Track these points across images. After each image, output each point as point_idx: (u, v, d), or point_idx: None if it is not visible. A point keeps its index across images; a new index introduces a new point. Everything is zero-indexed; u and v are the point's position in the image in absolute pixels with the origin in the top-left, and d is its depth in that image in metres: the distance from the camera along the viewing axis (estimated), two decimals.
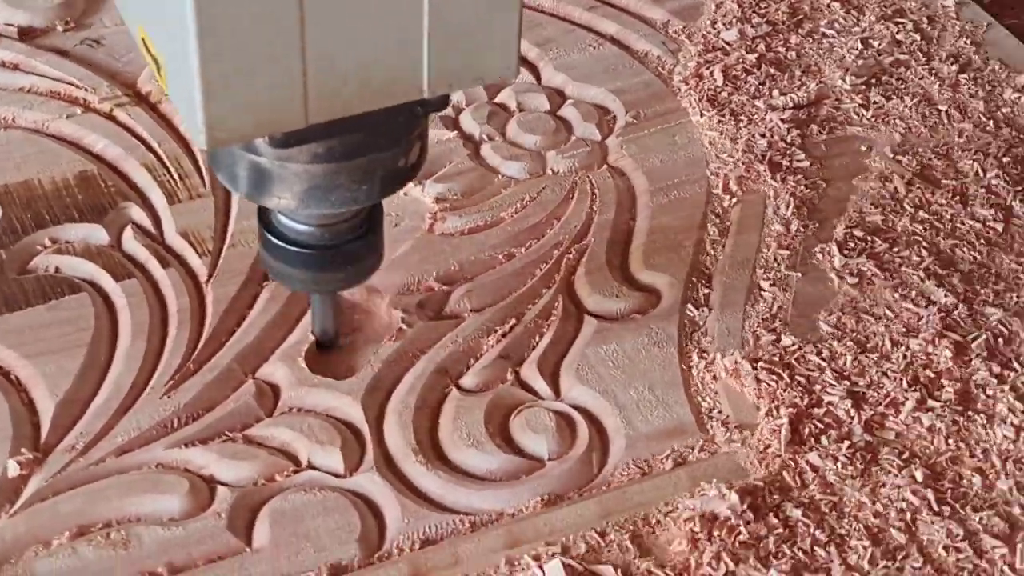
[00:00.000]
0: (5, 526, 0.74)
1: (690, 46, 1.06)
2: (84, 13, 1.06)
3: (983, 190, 0.96)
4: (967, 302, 0.88)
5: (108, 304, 0.85)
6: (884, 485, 0.78)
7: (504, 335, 0.85)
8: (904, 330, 0.86)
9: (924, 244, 0.92)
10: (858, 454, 0.79)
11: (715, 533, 0.74)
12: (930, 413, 0.81)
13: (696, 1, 1.11)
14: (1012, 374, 0.84)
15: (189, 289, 0.86)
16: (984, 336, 0.86)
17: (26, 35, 1.03)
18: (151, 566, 0.73)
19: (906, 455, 0.80)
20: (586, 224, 0.92)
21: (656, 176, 0.96)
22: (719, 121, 0.99)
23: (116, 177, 0.93)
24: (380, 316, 0.86)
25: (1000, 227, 0.94)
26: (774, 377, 0.83)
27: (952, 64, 1.06)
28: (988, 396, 0.83)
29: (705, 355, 0.84)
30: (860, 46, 1.07)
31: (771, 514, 0.76)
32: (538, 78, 1.04)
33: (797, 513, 0.76)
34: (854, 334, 0.86)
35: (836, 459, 0.79)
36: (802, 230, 0.92)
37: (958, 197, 0.95)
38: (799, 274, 0.89)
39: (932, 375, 0.84)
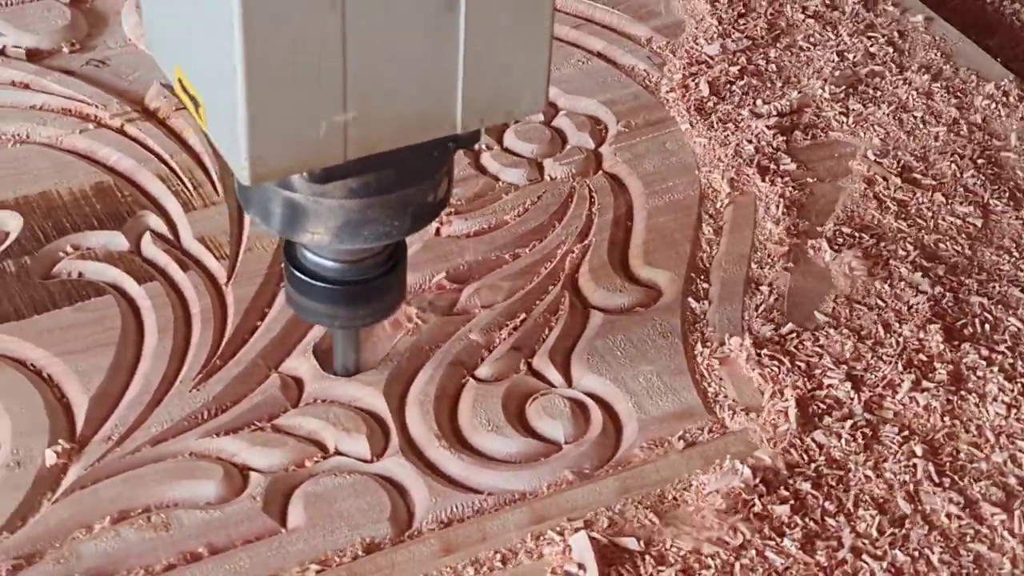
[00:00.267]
0: (49, 512, 0.76)
1: (675, 60, 1.10)
2: (89, 35, 1.09)
3: (961, 189, 1.01)
4: (953, 291, 0.92)
5: (132, 306, 0.88)
6: (886, 460, 0.82)
7: (515, 329, 0.89)
8: (895, 318, 0.90)
9: (909, 239, 0.96)
10: (860, 432, 0.83)
11: (730, 506, 0.78)
12: (925, 393, 0.86)
13: (677, 19, 1.16)
14: (1000, 356, 0.88)
15: (209, 290, 0.89)
16: (972, 322, 0.90)
17: (34, 56, 1.06)
18: (192, 547, 0.75)
19: (905, 432, 0.84)
20: (586, 225, 0.96)
21: (650, 180, 1.00)
22: (707, 128, 1.03)
23: (131, 187, 0.96)
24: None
25: (979, 222, 0.98)
26: (776, 362, 0.86)
27: (924, 74, 1.11)
28: (979, 377, 0.87)
29: (708, 344, 0.88)
30: (836, 58, 1.12)
31: (782, 488, 0.79)
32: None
33: (807, 487, 0.80)
34: (848, 323, 0.90)
35: (840, 437, 0.83)
36: (793, 228, 0.96)
37: (938, 196, 1.00)
38: (793, 266, 0.93)
39: (925, 359, 0.88)
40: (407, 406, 0.84)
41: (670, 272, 0.93)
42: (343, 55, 0.63)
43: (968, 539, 0.78)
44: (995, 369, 0.87)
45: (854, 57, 1.12)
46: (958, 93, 1.10)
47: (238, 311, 0.88)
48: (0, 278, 0.89)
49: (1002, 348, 0.89)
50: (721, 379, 0.86)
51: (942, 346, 0.88)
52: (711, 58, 1.10)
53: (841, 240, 0.95)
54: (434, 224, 0.95)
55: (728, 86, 1.08)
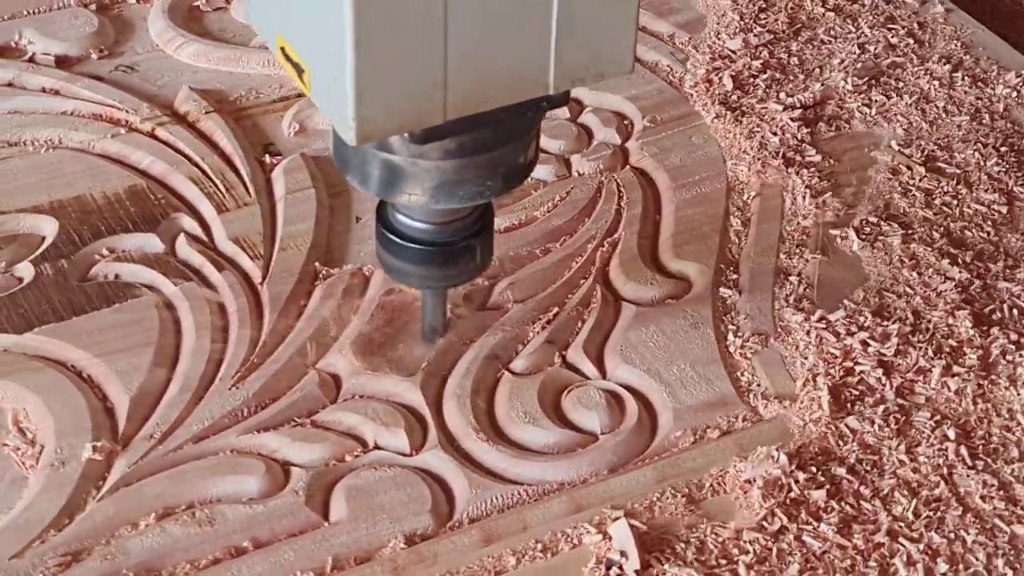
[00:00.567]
0: (95, 509, 0.77)
1: (697, 55, 1.11)
2: (116, 42, 1.10)
3: (985, 177, 1.01)
4: (981, 277, 0.93)
5: (169, 306, 0.89)
6: (919, 444, 0.83)
7: (548, 322, 0.89)
8: (924, 305, 0.91)
9: (936, 227, 0.97)
10: (892, 417, 0.84)
11: (767, 492, 0.79)
12: (956, 378, 0.86)
13: (699, 14, 1.17)
14: None
15: (245, 290, 0.90)
16: (1000, 307, 0.91)
17: (63, 63, 1.07)
18: (236, 541, 0.76)
19: (937, 417, 0.84)
20: (615, 219, 0.97)
21: (677, 174, 1.01)
22: (732, 122, 1.04)
23: (164, 190, 0.97)
24: None
25: (1004, 209, 0.99)
26: (809, 350, 0.87)
27: (945, 64, 1.12)
28: (1008, 362, 0.88)
29: (740, 334, 0.89)
30: (857, 51, 1.12)
31: (818, 473, 0.80)
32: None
33: (842, 472, 0.81)
34: (878, 310, 0.90)
35: (873, 422, 0.83)
36: (820, 218, 0.97)
37: (963, 184, 1.01)
38: (821, 256, 0.94)
39: (955, 344, 0.89)
40: (444, 400, 0.85)
41: (700, 264, 0.94)
42: (444, 16, 0.65)
43: (1003, 520, 0.79)
44: None
45: (875, 49, 1.13)
46: (979, 82, 1.10)
47: (274, 309, 0.89)
48: (38, 281, 0.90)
49: None
50: (753, 368, 0.87)
51: (971, 331, 0.89)
52: (733, 52, 1.11)
53: (868, 229, 0.96)
54: None
55: (751, 80, 1.08)
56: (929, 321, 0.90)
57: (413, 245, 0.80)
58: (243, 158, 0.99)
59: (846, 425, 0.83)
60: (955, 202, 0.99)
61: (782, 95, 1.07)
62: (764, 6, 1.17)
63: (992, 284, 0.93)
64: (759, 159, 1.01)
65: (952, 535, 0.78)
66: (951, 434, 0.83)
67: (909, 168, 1.01)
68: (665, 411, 0.85)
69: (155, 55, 1.10)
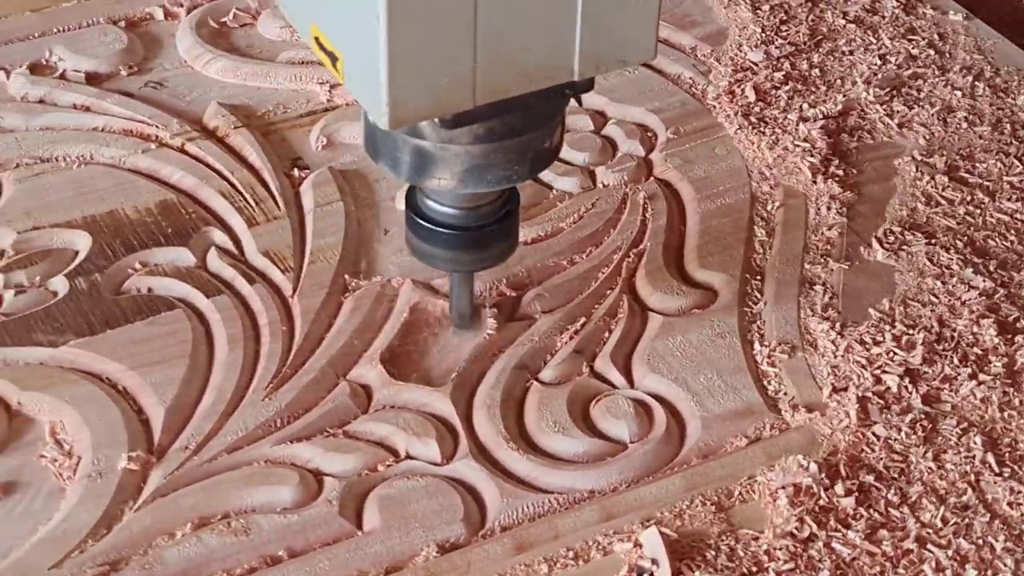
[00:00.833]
0: (132, 520, 0.78)
1: (719, 67, 1.12)
2: (145, 58, 1.12)
3: (1007, 186, 1.02)
4: (1005, 286, 0.94)
5: (202, 319, 0.90)
6: (946, 451, 0.83)
7: (576, 332, 0.90)
8: (949, 313, 0.92)
9: (959, 236, 0.98)
10: (919, 425, 0.85)
11: (796, 499, 0.79)
12: (982, 386, 0.87)
13: (721, 27, 1.18)
14: None
15: (276, 303, 0.91)
16: None
17: (93, 80, 1.09)
18: (272, 550, 0.77)
19: (964, 424, 0.85)
20: (641, 230, 0.98)
21: (701, 185, 1.02)
22: (756, 133, 1.05)
23: (195, 205, 0.98)
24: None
25: None
26: (835, 359, 0.88)
27: (966, 75, 1.12)
28: None
29: (766, 343, 0.90)
30: (879, 62, 1.13)
31: (846, 480, 0.81)
32: (579, 101, 1.09)
33: (870, 479, 0.81)
34: (903, 319, 0.91)
35: (900, 430, 0.84)
36: (844, 227, 0.98)
37: (985, 193, 1.01)
38: (846, 265, 0.95)
39: (980, 352, 0.89)
40: (474, 410, 0.86)
41: (725, 274, 0.95)
42: (475, 5, 0.68)
43: None
44: None
45: (896, 60, 1.14)
46: (1000, 92, 1.11)
47: (305, 321, 0.90)
48: (72, 295, 0.91)
49: None
50: (780, 377, 0.88)
51: (996, 340, 0.90)
52: (755, 64, 1.12)
53: (892, 239, 0.97)
54: None
55: (773, 91, 1.09)
56: (954, 329, 0.91)
57: (441, 229, 0.82)
58: (272, 172, 1.00)
59: (873, 433, 0.84)
60: (978, 211, 1.00)
61: (804, 106, 1.08)
62: (785, 18, 1.18)
63: (1016, 292, 0.94)
64: (782, 170, 1.02)
65: (980, 541, 0.79)
66: (978, 441, 0.84)
67: (932, 178, 1.02)
68: (693, 420, 0.86)
69: (183, 71, 1.11)
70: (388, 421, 0.84)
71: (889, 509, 0.80)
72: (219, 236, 0.96)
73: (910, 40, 1.16)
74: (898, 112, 1.08)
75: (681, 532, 0.78)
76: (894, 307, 0.92)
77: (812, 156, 1.03)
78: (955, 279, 0.94)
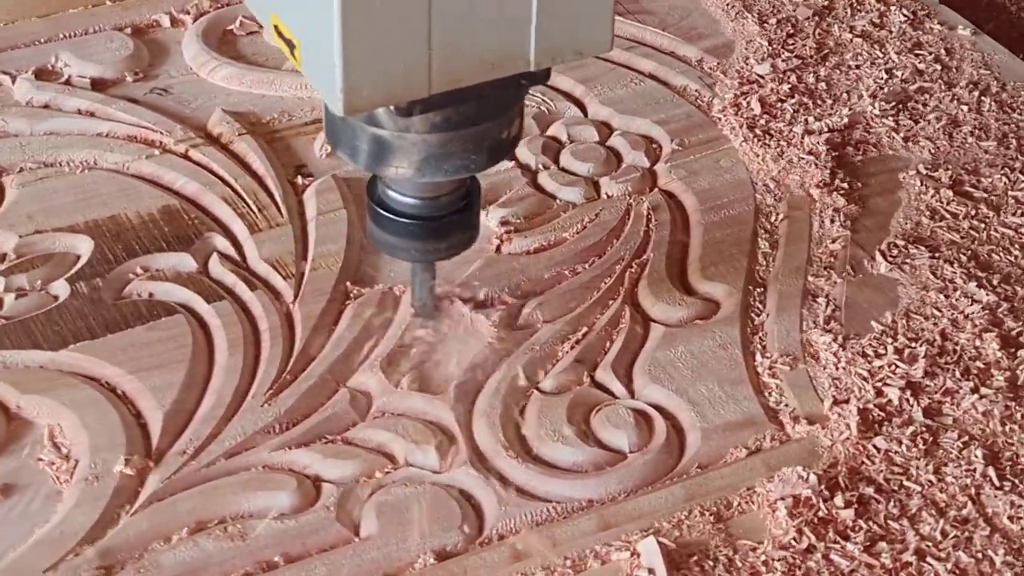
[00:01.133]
0: (128, 524, 0.78)
1: (725, 80, 1.12)
2: (151, 65, 1.12)
3: (1012, 200, 1.02)
4: (1008, 300, 0.94)
5: (202, 324, 0.90)
6: (947, 464, 0.83)
7: (577, 342, 0.90)
8: (952, 327, 0.91)
9: (963, 250, 0.97)
10: (920, 438, 0.84)
11: (795, 510, 0.79)
12: (984, 400, 0.87)
13: (727, 40, 1.17)
14: None
15: (277, 309, 0.91)
16: None
17: (98, 86, 1.09)
18: (268, 556, 0.77)
19: (965, 438, 0.85)
20: (644, 241, 0.98)
21: (705, 197, 1.02)
22: (761, 145, 1.05)
23: (197, 210, 0.98)
24: (464, 328, 0.91)
25: None
26: (837, 371, 0.88)
27: (972, 90, 1.12)
28: None
29: (768, 355, 0.89)
30: (885, 76, 1.13)
31: (845, 492, 0.81)
32: (585, 112, 1.10)
33: (869, 491, 0.81)
34: (905, 332, 0.91)
35: (901, 443, 0.84)
36: (848, 240, 0.98)
37: (990, 208, 1.01)
38: (850, 278, 0.95)
39: (982, 366, 0.89)
40: (474, 418, 0.85)
41: (728, 285, 0.94)
42: None
43: None
44: None
45: (902, 74, 1.13)
46: (1006, 108, 1.11)
47: (306, 328, 0.90)
48: (73, 299, 0.91)
49: None
50: (781, 389, 0.88)
51: (999, 353, 0.90)
52: (762, 77, 1.12)
53: (896, 252, 0.97)
54: (495, 242, 0.97)
55: (779, 104, 1.09)
56: (956, 343, 0.90)
57: (401, 219, 0.83)
58: (275, 179, 1.00)
59: (874, 445, 0.84)
60: (982, 225, 1.00)
61: (810, 119, 1.07)
62: (792, 32, 1.18)
63: (1019, 307, 0.93)
64: (787, 182, 1.02)
65: (980, 555, 0.78)
66: (978, 455, 0.83)
67: (936, 191, 1.02)
68: (693, 430, 0.85)
69: (189, 78, 1.11)
70: (387, 428, 0.84)
71: (888, 522, 0.80)
72: (221, 242, 0.96)
73: (917, 55, 1.16)
74: (904, 126, 1.08)
75: (679, 542, 0.78)
76: (897, 320, 0.92)
77: (817, 169, 1.02)
78: (958, 293, 0.94)
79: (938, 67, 1.15)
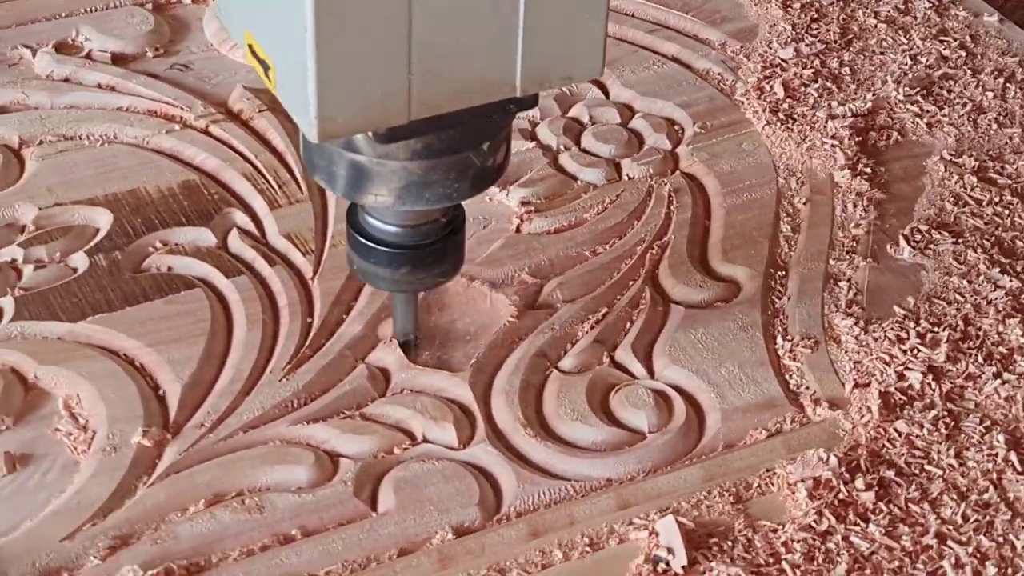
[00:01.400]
0: (145, 495, 0.78)
1: (748, 64, 1.11)
2: (172, 40, 1.11)
3: None
4: None
5: (221, 299, 0.90)
6: (968, 448, 0.82)
7: (597, 322, 0.90)
8: (975, 312, 0.91)
9: (986, 236, 0.97)
10: (941, 422, 0.84)
11: (815, 492, 0.79)
12: (1006, 385, 0.86)
13: (751, 24, 1.17)
14: None
15: (296, 285, 0.91)
16: None
17: (119, 60, 1.08)
18: (285, 529, 0.77)
19: (987, 423, 0.84)
20: (665, 223, 0.97)
21: (727, 180, 1.01)
22: (783, 129, 1.04)
23: (217, 186, 0.98)
24: (484, 307, 0.90)
25: None
26: (858, 354, 0.87)
27: (998, 77, 1.11)
28: None
29: (789, 337, 0.89)
30: (909, 62, 1.12)
31: (866, 475, 0.80)
32: (606, 94, 1.09)
33: (890, 474, 0.80)
34: (928, 317, 0.90)
35: (922, 426, 0.83)
36: (871, 225, 0.97)
37: (1014, 194, 1.00)
38: (871, 262, 0.94)
39: (1005, 351, 0.88)
40: (492, 396, 0.85)
41: (749, 268, 0.94)
42: (408, 16, 0.65)
43: None
44: None
45: (927, 60, 1.13)
46: None
47: (324, 304, 0.89)
48: (92, 272, 0.91)
49: None
50: (802, 372, 0.87)
51: (1022, 339, 0.89)
52: (785, 62, 1.11)
53: (919, 237, 0.96)
54: (515, 221, 0.96)
55: (803, 88, 1.09)
56: (979, 328, 0.90)
57: (381, 247, 0.79)
58: (296, 156, 1.00)
59: (895, 429, 0.83)
60: (1006, 212, 0.99)
61: (833, 104, 1.07)
62: (816, 16, 1.17)
63: None
64: (810, 167, 1.01)
65: (1001, 539, 0.78)
66: (1000, 440, 0.83)
67: (960, 177, 1.01)
68: (713, 411, 0.85)
69: (210, 55, 1.10)
70: (405, 405, 0.84)
71: (909, 505, 0.79)
72: (241, 217, 0.96)
73: (942, 41, 1.15)
74: (928, 112, 1.08)
75: (698, 522, 0.78)
76: (919, 305, 0.91)
77: (840, 153, 1.02)
78: (981, 278, 0.93)
79: (963, 53, 1.14)
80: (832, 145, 1.03)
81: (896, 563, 0.76)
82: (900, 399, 0.85)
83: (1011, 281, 0.93)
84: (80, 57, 1.08)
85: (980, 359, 0.88)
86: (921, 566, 0.76)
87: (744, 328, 0.90)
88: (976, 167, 1.02)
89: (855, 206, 0.98)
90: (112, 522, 0.76)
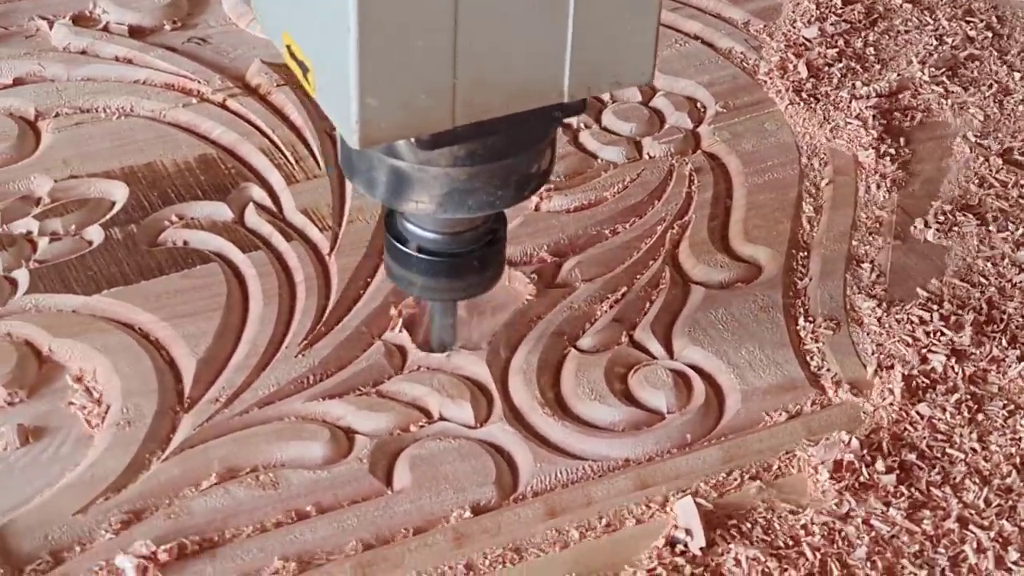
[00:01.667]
0: (159, 469, 0.77)
1: (772, 43, 1.10)
2: (190, 14, 1.10)
3: None
4: None
5: (237, 273, 0.89)
6: (991, 433, 0.81)
7: (616, 301, 0.89)
8: (999, 295, 0.90)
9: (1011, 218, 0.95)
10: (964, 406, 0.83)
11: (837, 475, 0.78)
12: None
13: (775, 2, 1.15)
14: None
15: (313, 260, 0.90)
16: None
17: (136, 33, 1.08)
18: (300, 505, 0.76)
19: (1010, 407, 0.83)
20: (686, 203, 0.96)
21: (749, 160, 1.00)
22: (806, 109, 1.03)
23: (234, 160, 0.97)
24: (502, 285, 0.89)
25: None
26: (881, 336, 0.86)
27: None
28: None
29: (810, 319, 0.88)
30: (935, 42, 1.11)
31: (888, 458, 0.79)
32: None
33: (912, 458, 0.79)
34: (951, 299, 0.89)
35: (945, 410, 0.82)
36: (895, 206, 0.96)
37: None
38: (896, 242, 0.93)
39: None
40: (510, 375, 0.84)
41: (771, 249, 0.93)
42: (454, 19, 0.63)
43: None
44: None
45: (953, 41, 1.11)
46: None
47: (341, 280, 0.89)
48: (107, 245, 0.90)
49: None
50: (823, 353, 0.86)
51: None
52: (809, 41, 1.10)
53: (943, 219, 0.95)
54: (533, 199, 0.95)
55: (827, 68, 1.07)
56: (1003, 311, 0.89)
57: (420, 255, 0.77)
58: (313, 131, 0.99)
59: (917, 412, 0.82)
60: None
61: (857, 84, 1.06)
62: None
63: None
64: (833, 147, 1.00)
65: None
66: None
67: (986, 159, 1.00)
68: (733, 392, 0.84)
69: (228, 28, 1.10)
70: (422, 382, 0.83)
71: (931, 488, 0.78)
72: (257, 192, 0.95)
73: (968, 21, 1.14)
74: (953, 93, 1.06)
75: (717, 504, 0.77)
76: (943, 287, 0.90)
77: (864, 134, 1.01)
78: (1006, 261, 0.92)
79: (989, 34, 1.13)
80: (856, 126, 1.01)
81: (917, 547, 0.75)
82: (923, 382, 0.84)
83: None
84: (97, 29, 1.07)
85: (1004, 342, 0.86)
86: (942, 550, 0.75)
87: (765, 309, 0.89)
88: (1001, 149, 1.01)
89: (878, 187, 0.97)
90: (125, 496, 0.76)
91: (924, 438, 0.81)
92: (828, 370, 0.85)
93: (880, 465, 0.78)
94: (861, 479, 0.78)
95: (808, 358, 0.86)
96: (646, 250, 0.92)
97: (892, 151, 1.01)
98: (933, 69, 1.08)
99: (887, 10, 1.15)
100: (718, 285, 0.91)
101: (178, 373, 0.83)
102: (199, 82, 1.03)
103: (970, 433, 0.81)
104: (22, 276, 0.87)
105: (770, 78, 1.07)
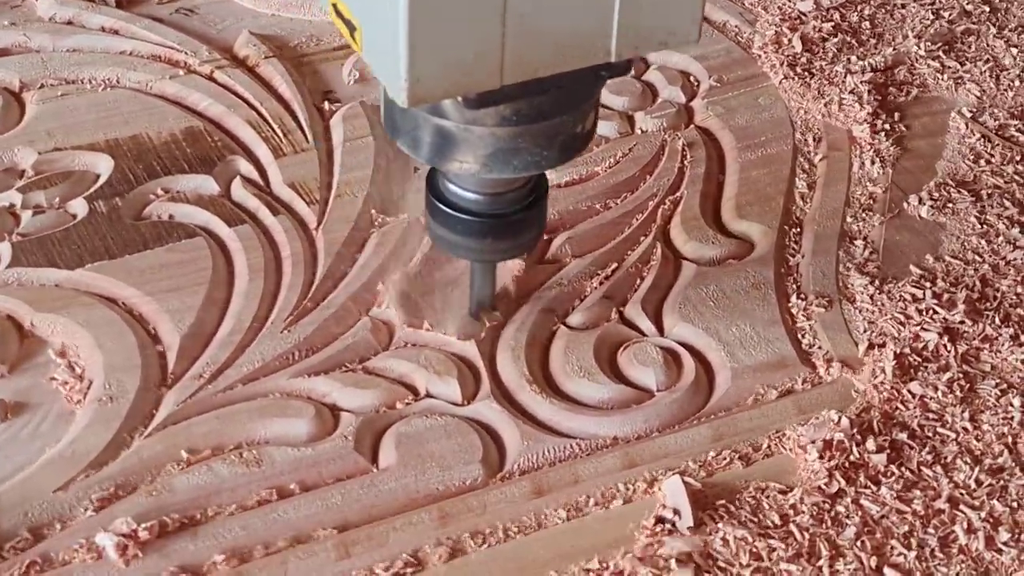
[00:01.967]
0: (142, 446, 0.76)
1: (766, 16, 1.09)
2: None
3: None
4: None
5: (223, 248, 0.88)
6: (984, 412, 0.80)
7: (607, 278, 0.88)
8: (993, 273, 0.89)
9: (1006, 195, 0.94)
10: (956, 384, 0.82)
11: (827, 454, 0.77)
12: (1023, 348, 0.84)
13: None
14: None
15: (300, 235, 0.89)
16: None
17: (123, 3, 1.06)
18: (283, 483, 0.75)
19: (1003, 386, 0.82)
20: (678, 178, 0.95)
21: (743, 135, 0.99)
22: (801, 84, 1.02)
23: (221, 133, 0.96)
24: None
25: None
26: (872, 314, 0.85)
27: (1021, 34, 1.09)
28: None
29: (802, 296, 0.87)
30: (932, 16, 1.10)
31: (878, 437, 0.78)
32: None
33: (903, 437, 0.79)
34: (945, 276, 0.88)
35: (936, 388, 0.81)
36: (889, 183, 0.95)
37: None
38: (889, 220, 0.92)
39: (1023, 313, 0.86)
40: (498, 351, 0.83)
41: (763, 225, 0.92)
42: None
43: None
44: None
45: (949, 15, 1.10)
46: None
47: (328, 255, 0.87)
48: (91, 218, 0.89)
49: None
50: (815, 331, 0.85)
51: None
52: (804, 15, 1.09)
53: (937, 195, 0.94)
54: None
55: (822, 42, 1.06)
56: (997, 289, 0.88)
57: (463, 216, 0.77)
58: (302, 104, 0.98)
59: (909, 391, 0.81)
60: None
61: (853, 58, 1.05)
62: None
63: None
64: (827, 122, 0.99)
65: (1015, 504, 0.76)
66: (1016, 403, 0.81)
67: (982, 136, 0.99)
68: (723, 370, 0.83)
69: None
70: (409, 359, 0.82)
71: (921, 468, 0.77)
72: (244, 166, 0.94)
73: None
74: (949, 68, 1.05)
75: (706, 483, 0.76)
76: (936, 264, 0.89)
77: (858, 109, 1.00)
78: (1000, 238, 0.91)
79: (986, 9, 1.12)
80: (850, 101, 1.00)
81: (907, 527, 0.74)
82: (915, 360, 0.83)
83: None
84: (83, 0, 1.06)
85: (997, 320, 0.86)
86: (932, 530, 0.74)
87: (757, 286, 0.88)
88: (997, 125, 1.00)
89: (873, 163, 0.96)
90: (107, 473, 0.75)
91: (915, 417, 0.80)
92: (819, 348, 0.84)
93: (871, 444, 0.78)
94: (851, 458, 0.77)
95: (800, 335, 0.85)
96: (637, 226, 0.91)
97: (887, 127, 0.99)
98: (929, 44, 1.07)
99: None
100: (710, 262, 0.90)
101: (162, 349, 0.82)
102: (186, 53, 1.02)
103: (962, 412, 0.80)
104: (4, 249, 0.86)
105: (764, 52, 1.05)
